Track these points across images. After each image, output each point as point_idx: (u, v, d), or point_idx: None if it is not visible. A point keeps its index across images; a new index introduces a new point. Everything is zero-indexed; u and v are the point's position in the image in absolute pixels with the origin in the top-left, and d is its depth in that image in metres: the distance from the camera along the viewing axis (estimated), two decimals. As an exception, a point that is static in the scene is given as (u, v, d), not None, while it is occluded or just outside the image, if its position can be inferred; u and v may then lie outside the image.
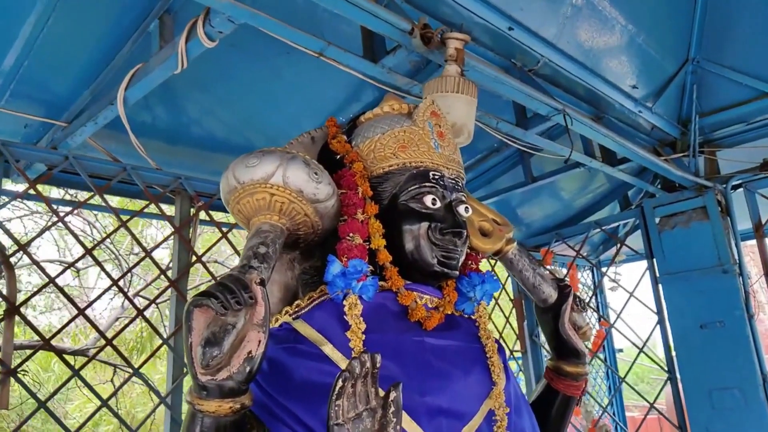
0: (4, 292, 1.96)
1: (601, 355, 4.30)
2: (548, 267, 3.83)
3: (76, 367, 2.02)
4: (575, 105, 2.65)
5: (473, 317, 1.32)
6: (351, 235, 1.16)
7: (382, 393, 1.04)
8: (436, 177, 1.23)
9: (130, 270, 2.57)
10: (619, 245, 3.59)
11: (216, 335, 0.89)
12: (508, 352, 3.78)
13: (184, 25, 1.64)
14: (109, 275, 2.19)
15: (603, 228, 3.52)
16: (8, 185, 2.17)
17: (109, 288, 2.33)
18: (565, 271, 4.02)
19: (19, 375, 1.94)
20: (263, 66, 2.30)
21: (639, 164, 2.98)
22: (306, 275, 1.26)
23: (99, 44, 1.93)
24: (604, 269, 4.13)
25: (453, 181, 1.26)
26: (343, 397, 0.91)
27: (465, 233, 1.23)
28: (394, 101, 1.35)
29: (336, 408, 0.90)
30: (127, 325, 2.36)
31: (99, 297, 2.24)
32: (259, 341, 0.94)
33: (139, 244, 2.44)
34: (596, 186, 3.83)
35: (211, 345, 0.88)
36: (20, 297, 2.16)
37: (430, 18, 1.82)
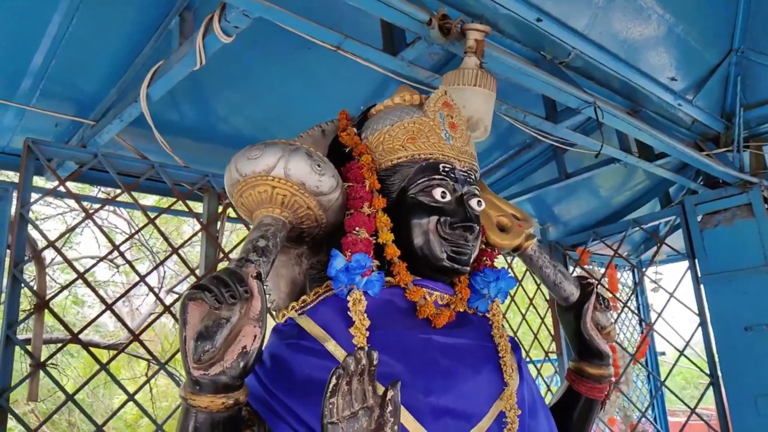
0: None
1: (642, 359, 4.16)
2: (585, 267, 3.72)
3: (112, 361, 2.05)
4: (609, 98, 2.56)
5: (487, 315, 1.27)
6: (357, 229, 1.13)
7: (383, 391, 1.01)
8: (447, 169, 1.19)
9: (156, 267, 2.59)
10: (659, 244, 3.45)
11: (209, 329, 0.87)
12: (543, 354, 3.69)
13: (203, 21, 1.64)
14: (136, 271, 2.22)
15: (642, 226, 3.39)
16: (41, 182, 2.22)
17: (136, 284, 2.36)
18: (602, 271, 3.90)
19: (50, 368, 1.98)
20: (288, 62, 2.29)
21: (679, 160, 2.86)
22: (313, 270, 1.23)
23: (123, 42, 1.96)
24: (645, 270, 3.99)
25: (465, 174, 1.22)
26: (337, 395, 0.88)
27: (477, 228, 1.18)
28: (406, 92, 1.32)
29: (330, 406, 0.87)
30: (153, 321, 2.39)
31: (126, 293, 2.27)
32: (255, 336, 0.92)
33: (167, 240, 2.47)
34: (635, 183, 3.71)
35: (203, 339, 0.86)
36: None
37: (451, 8, 1.77)
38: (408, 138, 1.20)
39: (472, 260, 1.21)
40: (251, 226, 1.10)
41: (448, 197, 1.18)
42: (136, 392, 2.14)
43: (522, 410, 1.15)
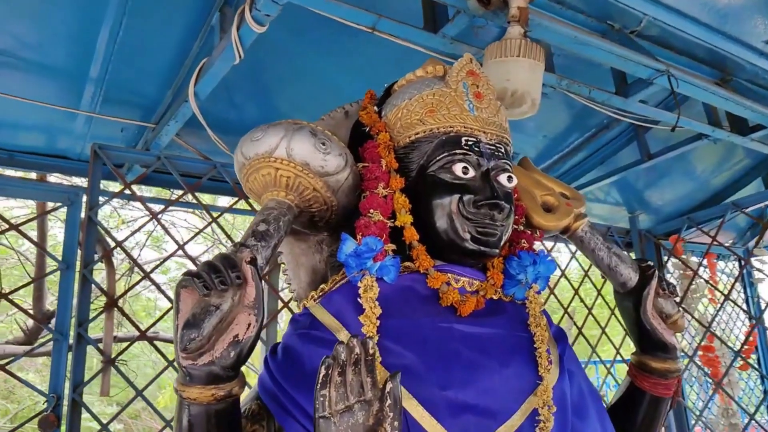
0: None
1: (753, 355, 3.76)
2: (680, 257, 3.41)
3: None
4: (694, 68, 2.31)
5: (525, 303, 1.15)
6: (371, 211, 1.05)
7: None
8: (470, 143, 1.09)
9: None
10: (763, 229, 3.10)
11: (196, 317, 0.83)
12: (614, 353, 3.42)
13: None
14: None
15: (743, 210, 3.06)
16: (117, 187, 2.30)
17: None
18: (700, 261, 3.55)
19: (119, 364, 2.04)
20: (349, 57, 2.24)
21: (781, 132, 2.54)
22: (333, 258, 1.16)
23: (173, 43, 1.99)
24: (748, 258, 3.61)
25: (492, 147, 1.11)
26: (329, 387, 0.81)
27: (506, 206, 1.07)
28: (430, 64, 1.22)
29: (321, 399, 0.80)
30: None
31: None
32: (249, 324, 0.87)
33: (230, 238, 2.50)
34: (735, 161, 3.36)
35: (189, 327, 0.82)
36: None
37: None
38: (427, 111, 1.11)
39: (502, 242, 1.09)
40: (259, 212, 1.05)
41: (472, 173, 1.08)
42: (145, 388, 2.16)
43: (562, 408, 1.02)
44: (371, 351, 0.82)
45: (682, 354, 3.44)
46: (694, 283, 3.35)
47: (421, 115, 1.11)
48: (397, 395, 0.82)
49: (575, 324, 3.20)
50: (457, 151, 1.08)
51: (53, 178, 3.26)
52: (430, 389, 0.93)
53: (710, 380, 3.41)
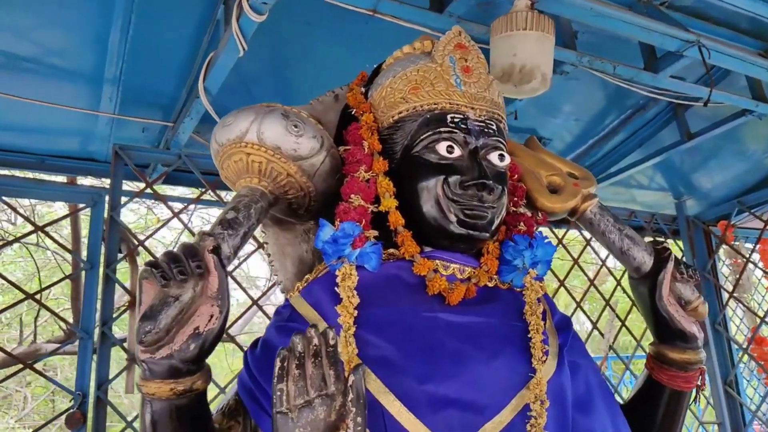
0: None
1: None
2: (731, 244, 3.21)
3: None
4: (735, 40, 2.15)
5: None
6: (352, 196, 0.99)
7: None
8: (457, 120, 1.02)
9: (240, 264, 2.62)
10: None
11: (153, 308, 0.80)
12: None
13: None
14: (227, 272, 2.24)
15: (799, 191, 2.84)
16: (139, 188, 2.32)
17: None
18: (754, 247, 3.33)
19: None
20: (359, 45, 2.18)
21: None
22: (320, 247, 1.12)
23: (183, 39, 1.98)
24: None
25: (481, 124, 1.04)
26: (287, 380, 0.76)
27: (496, 186, 0.99)
28: (418, 40, 1.16)
29: (278, 393, 0.75)
30: (242, 315, 2.41)
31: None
32: (212, 316, 0.83)
33: (254, 238, 2.48)
34: (790, 140, 3.12)
35: (146, 319, 0.79)
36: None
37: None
38: (410, 88, 1.05)
39: (494, 225, 1.02)
40: (234, 200, 1.01)
41: (458, 152, 1.01)
42: (226, 386, 2.16)
43: (560, 403, 0.94)
44: (332, 342, 0.77)
45: (736, 348, 3.24)
46: (746, 271, 3.14)
47: (405, 92, 1.05)
48: (360, 389, 0.77)
49: (618, 316, 3.05)
50: (442, 129, 1.01)
51: (87, 180, 3.35)
52: (409, 383, 0.87)
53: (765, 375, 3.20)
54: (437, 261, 1.01)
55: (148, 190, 2.26)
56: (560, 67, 1.93)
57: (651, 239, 1.21)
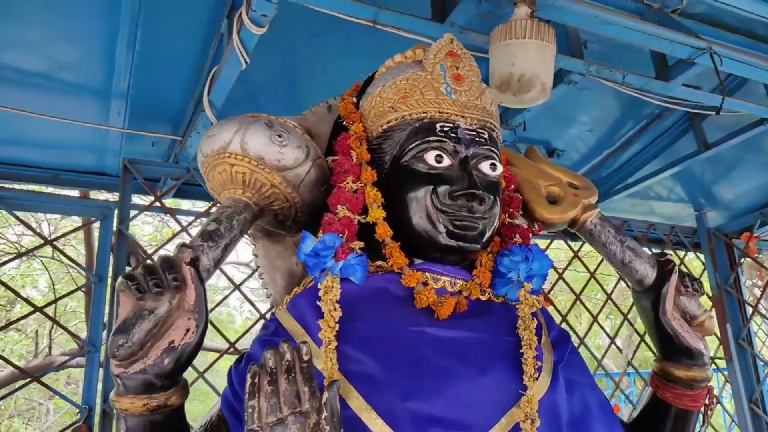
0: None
1: None
2: (754, 257, 3.11)
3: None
4: (753, 48, 2.09)
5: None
6: (339, 207, 0.97)
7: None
8: (446, 129, 0.99)
9: (251, 276, 2.61)
10: None
11: (126, 322, 0.78)
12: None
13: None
14: (231, 279, 2.24)
15: (824, 201, 2.75)
16: (138, 200, 2.33)
17: (232, 291, 2.40)
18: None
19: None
20: (367, 56, 2.18)
21: None
22: (309, 259, 1.09)
23: (188, 53, 1.99)
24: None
25: (472, 133, 1.01)
26: (259, 397, 0.73)
27: (487, 196, 0.96)
28: (413, 49, 1.14)
29: (249, 410, 0.73)
30: (253, 325, 2.40)
31: (224, 299, 2.31)
32: (188, 330, 0.82)
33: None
34: (815, 149, 3.02)
35: (118, 333, 0.77)
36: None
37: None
38: (399, 97, 1.03)
39: (485, 237, 0.99)
40: (220, 212, 1.00)
41: (448, 161, 0.98)
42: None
43: (553, 422, 0.90)
44: (305, 356, 0.74)
45: (761, 364, 3.13)
46: (771, 284, 3.05)
47: (394, 101, 1.03)
48: (335, 406, 0.74)
49: (636, 331, 2.98)
50: (431, 138, 0.99)
51: (102, 195, 3.38)
52: (391, 400, 0.84)
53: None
54: (427, 273, 0.98)
55: (157, 204, 2.26)
56: (567, 77, 1.90)
57: (669, 252, 1.16)
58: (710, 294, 3.30)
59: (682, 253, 3.40)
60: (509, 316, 1.00)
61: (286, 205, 1.00)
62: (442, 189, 0.97)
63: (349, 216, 0.96)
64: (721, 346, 3.18)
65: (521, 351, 0.93)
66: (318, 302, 0.91)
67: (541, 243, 3.14)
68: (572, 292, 2.89)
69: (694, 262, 3.80)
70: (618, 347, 2.96)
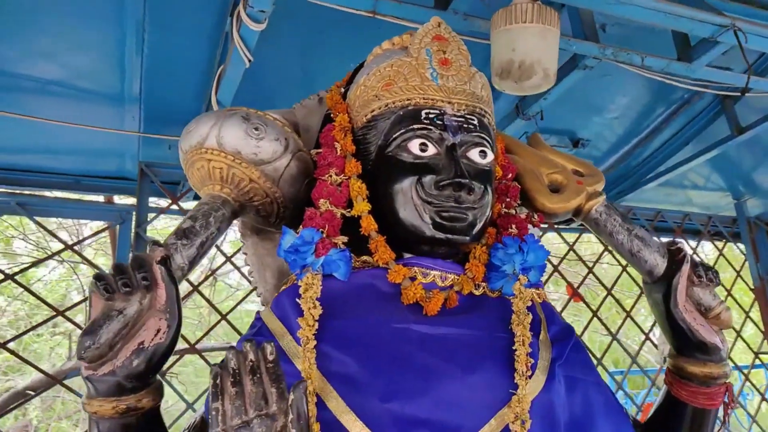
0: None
1: None
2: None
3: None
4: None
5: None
6: (321, 201, 0.94)
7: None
8: (431, 116, 0.95)
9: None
10: None
11: (94, 323, 0.76)
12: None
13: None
14: (247, 278, 2.23)
15: None
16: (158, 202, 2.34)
17: (248, 295, 2.39)
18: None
19: (169, 377, 2.05)
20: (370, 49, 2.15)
21: None
22: (298, 256, 1.06)
23: (197, 55, 1.98)
24: None
25: (460, 119, 0.96)
26: (223, 399, 0.70)
27: (476, 185, 0.92)
28: (400, 36, 1.09)
29: (213, 413, 0.70)
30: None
31: (239, 303, 2.31)
32: (159, 330, 0.79)
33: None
34: None
35: (85, 334, 0.75)
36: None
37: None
38: (383, 85, 0.99)
39: (476, 228, 0.94)
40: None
41: (432, 150, 0.93)
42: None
43: (548, 423, 0.84)
44: (270, 356, 0.71)
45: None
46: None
47: (378, 90, 0.99)
48: (301, 408, 0.70)
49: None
50: (415, 126, 0.94)
51: (128, 200, 3.43)
52: (372, 401, 0.79)
53: None
54: (416, 268, 0.94)
55: (174, 207, 2.27)
56: (582, 62, 1.82)
57: (680, 240, 1.09)
58: (752, 286, 3.14)
59: (720, 244, 3.26)
60: (504, 311, 0.95)
61: (267, 201, 0.97)
62: (428, 179, 0.92)
63: (331, 210, 0.93)
64: (765, 341, 3.02)
65: (513, 348, 0.88)
66: (297, 300, 0.88)
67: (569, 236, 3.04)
68: (603, 287, 2.79)
69: (734, 251, 3.62)
70: (653, 343, 2.84)
